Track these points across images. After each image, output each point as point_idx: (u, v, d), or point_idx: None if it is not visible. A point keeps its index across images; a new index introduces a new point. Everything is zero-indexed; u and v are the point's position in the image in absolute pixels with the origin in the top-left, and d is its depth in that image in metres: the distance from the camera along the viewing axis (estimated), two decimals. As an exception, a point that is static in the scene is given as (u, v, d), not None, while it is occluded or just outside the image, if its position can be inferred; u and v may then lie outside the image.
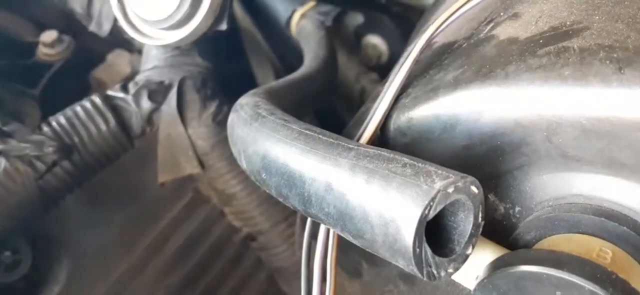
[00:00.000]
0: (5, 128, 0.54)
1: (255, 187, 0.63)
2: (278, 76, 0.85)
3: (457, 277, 0.28)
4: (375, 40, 0.85)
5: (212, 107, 0.59)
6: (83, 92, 0.75)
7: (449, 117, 0.30)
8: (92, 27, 0.77)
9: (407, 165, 0.25)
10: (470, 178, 0.25)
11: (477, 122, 0.29)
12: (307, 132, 0.31)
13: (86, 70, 0.80)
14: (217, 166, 0.60)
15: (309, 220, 0.36)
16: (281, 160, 0.31)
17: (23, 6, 0.84)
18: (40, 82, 0.76)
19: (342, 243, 0.33)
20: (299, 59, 0.69)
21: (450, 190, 0.24)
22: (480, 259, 0.27)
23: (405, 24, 0.82)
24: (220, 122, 0.59)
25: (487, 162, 0.30)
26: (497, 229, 0.31)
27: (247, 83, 0.80)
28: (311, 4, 0.79)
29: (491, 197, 0.31)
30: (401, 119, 0.33)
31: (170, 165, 0.58)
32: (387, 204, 0.25)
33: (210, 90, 0.60)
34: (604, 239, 0.26)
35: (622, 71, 0.24)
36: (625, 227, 0.25)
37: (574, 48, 0.27)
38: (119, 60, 0.80)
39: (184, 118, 0.57)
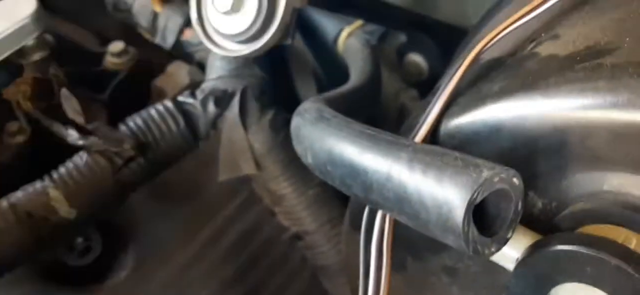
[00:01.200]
0: (88, 126, 0.61)
1: (304, 190, 0.68)
2: (321, 89, 0.90)
3: (499, 258, 0.32)
4: (416, 59, 0.89)
5: (270, 114, 0.65)
6: (144, 98, 0.82)
7: (495, 122, 0.35)
8: (158, 40, 0.84)
9: (458, 158, 0.30)
10: (512, 171, 0.29)
11: (521, 127, 0.34)
12: (368, 131, 0.36)
13: (147, 79, 0.86)
14: (271, 168, 0.65)
15: (366, 209, 0.40)
16: (346, 154, 0.36)
17: (88, 19, 0.92)
18: (107, 88, 0.83)
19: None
20: (342, 74, 0.75)
21: (495, 179, 0.28)
22: (519, 244, 0.32)
23: (446, 44, 0.87)
24: (276, 128, 0.65)
25: (528, 163, 0.34)
26: (535, 222, 0.35)
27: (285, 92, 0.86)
28: (358, 23, 0.84)
29: (531, 193, 0.35)
30: (451, 125, 0.38)
31: (230, 166, 0.64)
32: (441, 189, 0.29)
33: (267, 98, 0.66)
34: (629, 229, 0.30)
35: (648, 84, 0.29)
36: (648, 219, 0.29)
37: (606, 64, 0.31)
38: (178, 71, 0.86)
39: (245, 123, 0.63)
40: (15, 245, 0.56)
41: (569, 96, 0.31)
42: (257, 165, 0.64)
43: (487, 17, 0.58)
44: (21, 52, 0.69)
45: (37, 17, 0.67)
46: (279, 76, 0.88)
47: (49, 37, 0.74)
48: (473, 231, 0.29)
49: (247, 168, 0.64)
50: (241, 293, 0.68)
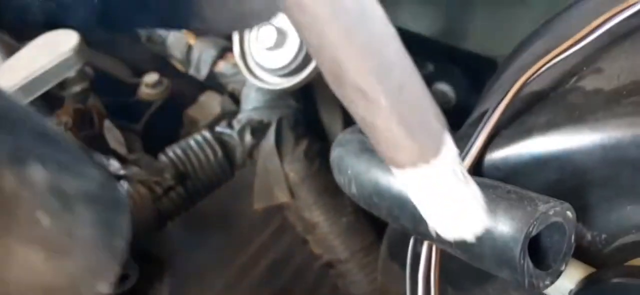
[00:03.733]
0: (129, 156, 0.63)
1: (337, 218, 0.69)
2: (345, 123, 0.91)
3: (551, 291, 0.33)
4: (444, 88, 0.90)
5: (304, 144, 0.66)
6: (177, 127, 0.84)
7: (542, 154, 0.36)
8: (191, 71, 0.86)
9: (511, 191, 0.31)
10: (566, 204, 0.30)
11: (569, 159, 0.34)
12: (416, 163, 0.37)
13: (180, 108, 0.88)
14: (305, 197, 0.66)
15: (412, 239, 0.41)
16: (394, 186, 0.37)
17: (122, 51, 0.95)
18: (141, 118, 0.85)
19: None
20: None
21: (551, 213, 0.29)
22: (572, 277, 0.32)
23: (473, 74, 0.88)
24: (310, 158, 0.66)
25: (576, 195, 0.35)
26: (585, 254, 0.35)
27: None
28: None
29: (580, 225, 0.35)
30: (495, 156, 0.39)
31: (265, 194, 0.65)
32: (495, 223, 0.30)
33: (302, 128, 0.67)
34: (684, 262, 0.30)
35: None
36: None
37: (655, 99, 0.32)
38: (210, 100, 0.88)
39: (280, 153, 0.64)
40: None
41: (618, 130, 0.32)
42: (291, 193, 0.66)
43: (520, 49, 0.59)
44: (62, 84, 0.72)
45: (78, 50, 0.70)
46: (305, 103, 0.90)
47: (88, 70, 0.77)
48: (528, 264, 0.29)
49: (282, 196, 0.65)
50: (274, 320, 0.68)
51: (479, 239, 0.31)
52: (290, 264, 0.69)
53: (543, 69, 0.41)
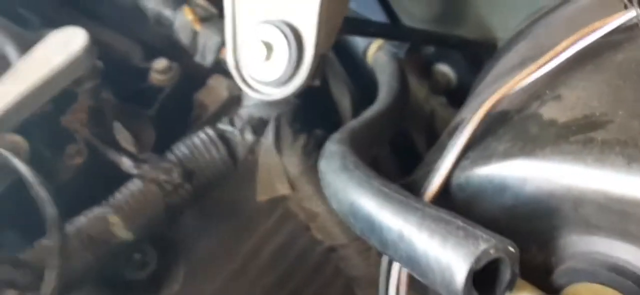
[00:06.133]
0: (140, 155, 0.68)
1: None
2: (353, 97, 0.94)
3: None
4: (444, 69, 0.92)
5: (302, 139, 0.70)
6: (187, 111, 0.88)
7: (499, 181, 0.39)
8: (197, 58, 0.89)
9: (461, 228, 0.34)
10: (508, 241, 0.33)
11: (522, 188, 0.37)
12: (384, 189, 0.41)
13: (190, 92, 0.92)
14: (304, 189, 0.71)
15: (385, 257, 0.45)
16: (365, 210, 0.41)
17: (132, 30, 0.97)
18: (152, 104, 0.88)
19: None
20: (372, 83, 0.79)
21: (492, 251, 0.33)
22: (518, 297, 0.36)
23: (473, 56, 0.89)
24: (308, 152, 0.70)
25: (529, 220, 0.38)
26: (536, 273, 0.38)
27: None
28: (386, 39, 0.87)
29: (533, 247, 0.39)
30: (461, 178, 0.42)
31: (267, 187, 0.70)
32: (444, 257, 0.34)
33: (299, 124, 0.71)
34: (616, 289, 0.33)
35: (630, 165, 0.32)
36: (630, 282, 0.33)
37: (597, 139, 0.34)
38: (218, 84, 0.91)
39: (279, 148, 0.69)
40: (80, 266, 0.64)
41: (562, 167, 0.35)
42: (292, 186, 0.70)
43: (505, 48, 0.61)
44: (75, 81, 0.76)
45: (89, 48, 0.73)
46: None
47: (99, 64, 0.81)
48: (473, 293, 0.33)
49: (283, 189, 0.70)
50: (281, 301, 0.74)
51: (432, 268, 0.35)
52: (294, 249, 0.74)
53: (511, 91, 0.43)
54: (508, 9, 0.77)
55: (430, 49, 0.92)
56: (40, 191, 0.55)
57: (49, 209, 0.56)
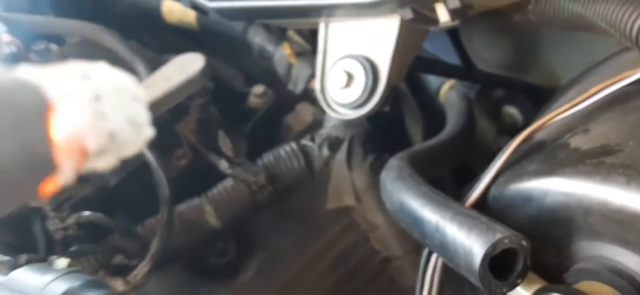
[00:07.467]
0: (235, 159, 0.81)
1: (394, 222, 0.81)
2: (424, 130, 1.02)
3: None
4: (512, 110, 0.98)
5: (370, 158, 0.80)
6: (276, 131, 1.00)
7: (526, 194, 0.46)
8: (290, 86, 1.02)
9: (484, 222, 0.42)
10: (521, 236, 0.41)
11: (543, 200, 0.45)
12: (428, 192, 0.49)
13: (280, 115, 1.04)
14: (368, 202, 0.80)
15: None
16: (411, 208, 0.50)
17: (236, 59, 1.12)
18: (248, 123, 1.01)
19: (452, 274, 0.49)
20: (443, 119, 0.87)
21: (506, 241, 0.40)
22: (530, 288, 0.43)
23: (538, 99, 0.95)
24: (374, 170, 0.79)
25: (548, 228, 0.45)
26: (553, 273, 0.45)
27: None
28: (457, 79, 0.95)
29: (551, 251, 0.46)
30: (497, 191, 0.50)
31: (336, 197, 0.80)
32: (468, 243, 0.42)
33: (370, 145, 0.81)
34: (615, 288, 0.40)
35: (629, 183, 0.39)
36: (625, 282, 0.39)
37: (606, 163, 0.41)
38: (304, 110, 1.03)
39: (350, 164, 0.79)
40: (175, 245, 0.77)
41: (576, 183, 0.42)
42: (358, 198, 0.80)
43: (564, 88, 0.67)
44: (189, 97, 0.91)
45: (204, 71, 0.88)
46: (393, 116, 1.02)
47: (209, 85, 0.95)
48: (488, 275, 0.41)
49: (349, 200, 0.80)
50: (339, 302, 0.83)
51: (458, 253, 0.43)
52: (354, 256, 0.83)
53: (549, 122, 0.51)
54: (572, 58, 0.83)
55: (499, 92, 0.99)
56: (158, 172, 0.69)
57: (163, 189, 0.69)
